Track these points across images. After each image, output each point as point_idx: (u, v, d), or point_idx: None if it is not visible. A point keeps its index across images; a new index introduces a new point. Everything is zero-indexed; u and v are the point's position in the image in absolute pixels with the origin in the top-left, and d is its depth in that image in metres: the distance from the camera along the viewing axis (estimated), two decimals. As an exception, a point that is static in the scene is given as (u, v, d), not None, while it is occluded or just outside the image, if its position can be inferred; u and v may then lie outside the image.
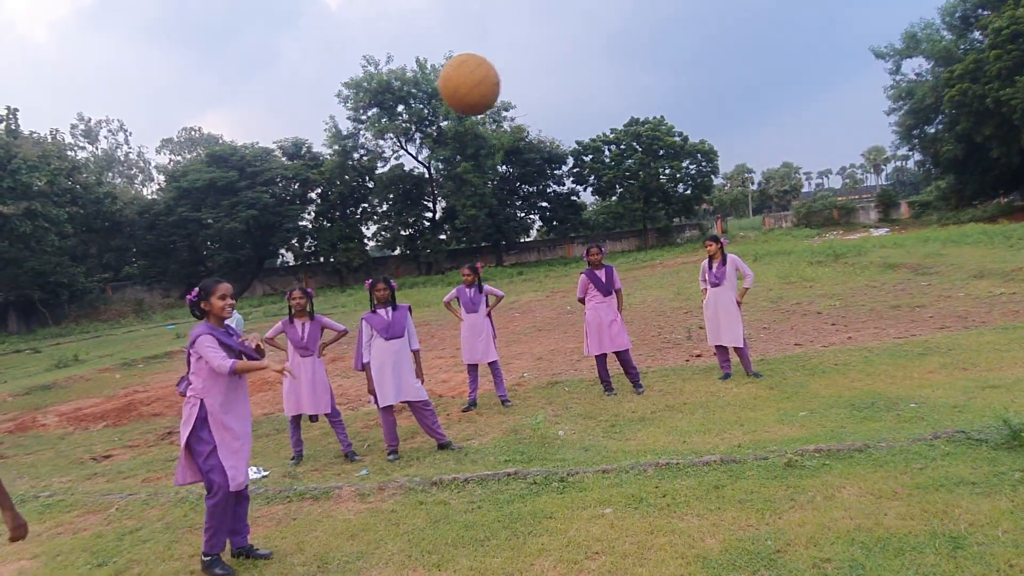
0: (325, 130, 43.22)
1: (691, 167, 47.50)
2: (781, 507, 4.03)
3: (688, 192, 48.08)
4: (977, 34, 36.32)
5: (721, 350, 7.88)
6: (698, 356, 9.53)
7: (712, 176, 49.31)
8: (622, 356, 7.69)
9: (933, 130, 41.17)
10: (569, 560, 3.70)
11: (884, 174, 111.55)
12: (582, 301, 7.91)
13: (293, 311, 6.61)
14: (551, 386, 8.54)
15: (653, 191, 46.41)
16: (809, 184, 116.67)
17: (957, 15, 37.48)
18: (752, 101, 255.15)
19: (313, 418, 6.69)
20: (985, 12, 35.05)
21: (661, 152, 45.90)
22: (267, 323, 7.83)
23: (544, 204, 49.47)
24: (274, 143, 44.77)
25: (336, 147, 42.76)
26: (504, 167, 46.80)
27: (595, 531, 4.01)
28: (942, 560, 3.24)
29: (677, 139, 45.98)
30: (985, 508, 3.70)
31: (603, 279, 7.73)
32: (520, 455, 5.78)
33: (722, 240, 7.87)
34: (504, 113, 45.43)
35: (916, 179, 68.33)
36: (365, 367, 6.29)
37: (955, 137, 36.97)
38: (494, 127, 44.31)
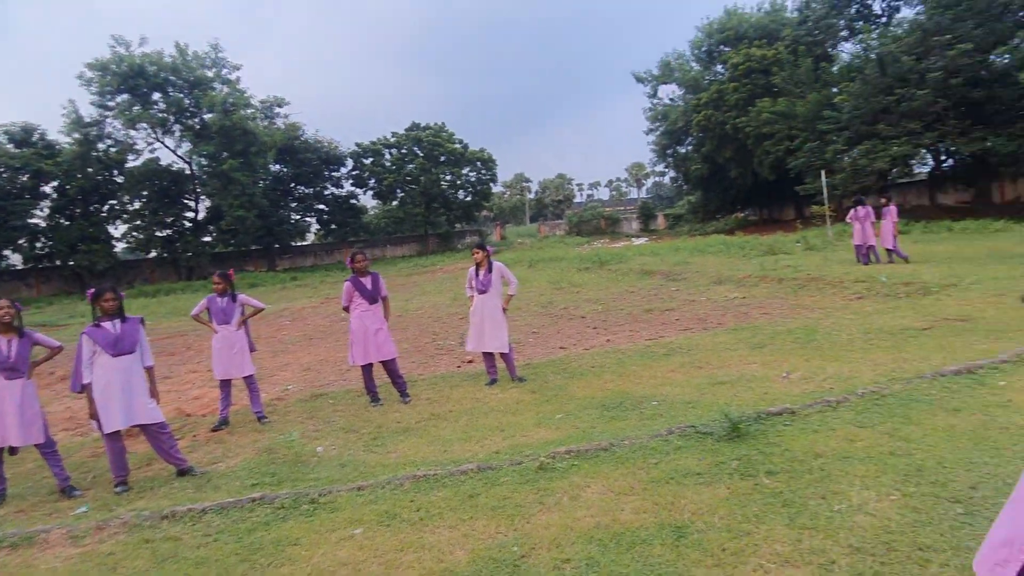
0: (63, 116, 37.84)
1: (471, 174, 48.79)
2: (530, 511, 4.08)
3: (468, 199, 49.34)
4: (720, 67, 41.36)
5: (488, 356, 7.98)
6: (469, 362, 9.61)
7: (491, 184, 51.12)
8: (388, 365, 7.49)
9: (684, 150, 46.26)
10: (310, 590, 3.43)
11: (645, 188, 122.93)
12: (347, 310, 7.61)
13: (-4, 325, 5.57)
14: (315, 399, 8.08)
15: (434, 196, 46.95)
16: (581, 195, 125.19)
17: (703, 49, 42.43)
18: (531, 114, 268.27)
19: (12, 450, 5.65)
20: (726, 48, 40.05)
21: (442, 158, 46.59)
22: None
23: (321, 206, 47.90)
24: (-3, 127, 38.42)
25: (77, 135, 37.56)
26: (277, 166, 44.58)
27: (342, 554, 3.78)
28: (667, 550, 3.44)
29: (458, 146, 46.96)
30: (706, 497, 4.02)
31: (369, 286, 7.49)
32: (271, 477, 5.34)
33: (488, 248, 7.98)
34: (277, 109, 43.27)
35: (671, 194, 76.15)
36: (85, 388, 5.46)
37: (702, 157, 41.82)
38: (266, 123, 41.95)
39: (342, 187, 48.28)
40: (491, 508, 4.17)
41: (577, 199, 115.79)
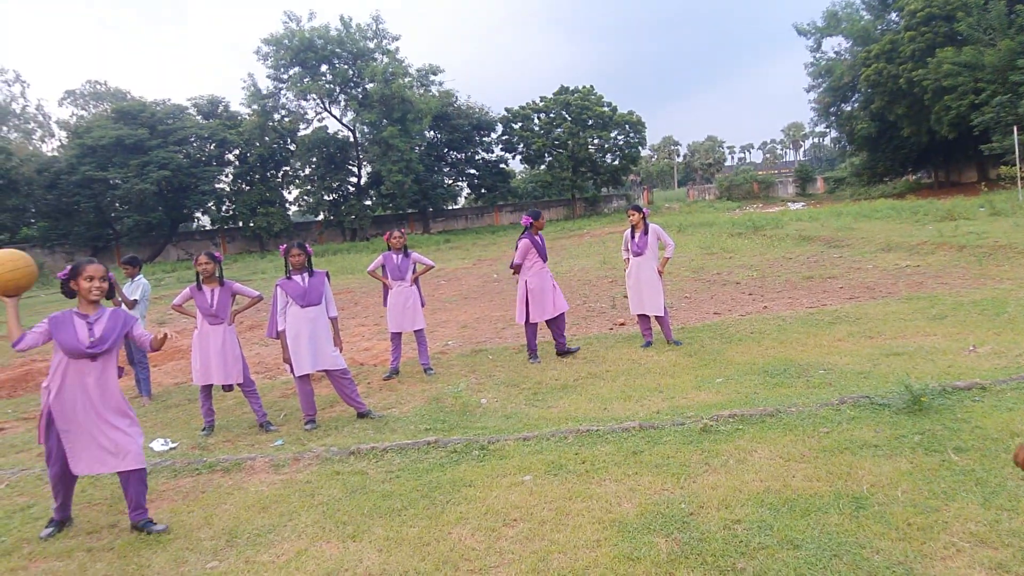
0: (243, 88, 41.28)
1: (619, 138, 47.98)
2: (696, 471, 4.10)
3: (616, 162, 48.63)
4: (894, 15, 37.74)
5: (643, 318, 7.98)
6: (621, 324, 9.65)
7: (640, 147, 50.04)
8: (558, 320, 7.77)
9: (849, 108, 42.77)
10: (487, 528, 3.67)
11: (802, 150, 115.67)
12: (517, 269, 7.83)
13: (201, 277, 6.28)
14: (475, 354, 8.48)
15: (582, 160, 46.70)
16: (732, 158, 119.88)
17: (876, -4, 38.82)
18: (680, 75, 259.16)
19: (227, 387, 6.39)
20: (904, -6, 36.40)
21: (590, 122, 46.10)
22: (181, 289, 7.46)
23: (472, 171, 49.04)
24: (188, 100, 42.37)
25: (255, 107, 40.86)
26: (432, 133, 46.07)
27: (514, 498, 3.99)
28: (845, 520, 3.35)
29: (606, 109, 46.27)
30: (886, 469, 3.85)
31: (543, 246, 7.79)
32: (441, 423, 5.71)
33: (644, 210, 7.92)
34: (432, 77, 44.54)
35: (832, 155, 71.15)
36: (280, 335, 6.06)
37: (869, 115, 38.49)
38: (422, 91, 43.39)
39: (492, 152, 49.16)
40: (655, 465, 4.23)
41: (728, 162, 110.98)
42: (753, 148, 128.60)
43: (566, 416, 5.57)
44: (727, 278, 13.07)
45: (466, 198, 52.76)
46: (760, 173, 61.33)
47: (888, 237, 16.12)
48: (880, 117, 37.45)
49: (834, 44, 43.71)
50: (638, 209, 7.87)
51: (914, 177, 43.74)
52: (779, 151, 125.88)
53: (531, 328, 7.80)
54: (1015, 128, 23.79)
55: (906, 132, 36.20)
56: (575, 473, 4.24)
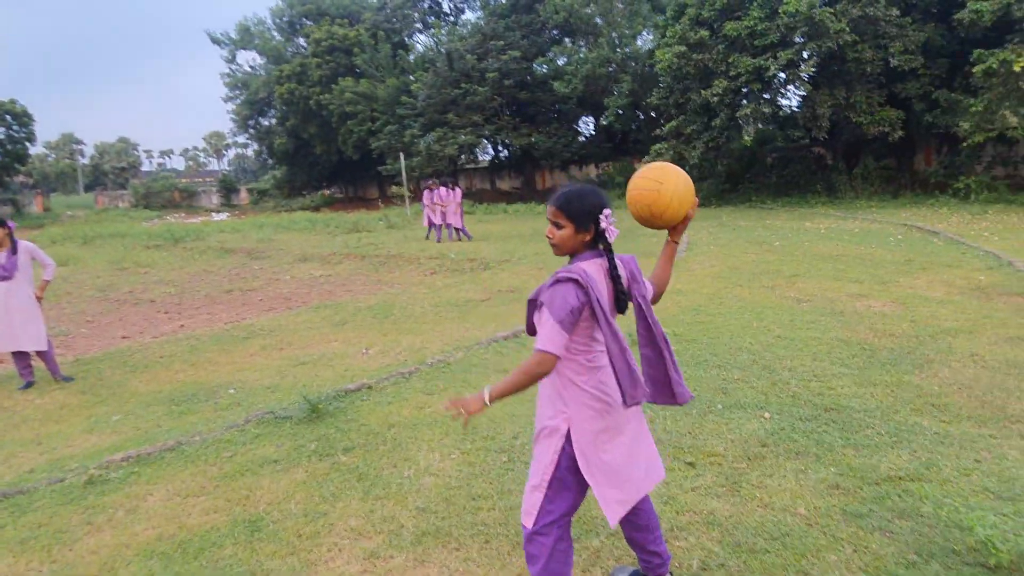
0: None
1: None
2: (75, 535, 3.49)
3: (-2, 160, 40.31)
4: (302, 40, 40.76)
5: (20, 355, 6.58)
6: (-2, 362, 7.86)
7: (28, 143, 42.54)
8: None
9: (268, 123, 44.67)
10: None
11: (226, 160, 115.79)
12: None
13: None
14: None
15: (-54, 156, 37.26)
16: (150, 163, 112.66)
17: (285, 19, 41.35)
18: (84, 65, 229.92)
19: None
20: (308, 22, 39.59)
21: (-45, 108, 37.12)
22: None
23: None
24: None
25: None
26: None
27: None
28: (240, 548, 3.26)
29: (-21, 95, 37.87)
30: (283, 484, 3.92)
31: None
32: None
33: (10, 224, 6.56)
34: None
35: (256, 167, 73.03)
36: None
37: (286, 131, 40.90)
38: None
39: None
40: (20, 541, 3.45)
41: (145, 167, 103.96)
42: (174, 154, 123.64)
43: None
44: (141, 296, 12.02)
45: None
46: (182, 181, 59.14)
47: (304, 248, 17.27)
48: (295, 134, 40.18)
49: (249, 58, 45.16)
50: (3, 223, 6.47)
51: (329, 192, 48.25)
52: (202, 159, 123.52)
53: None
54: (401, 154, 28.36)
55: (319, 150, 39.69)
56: None
